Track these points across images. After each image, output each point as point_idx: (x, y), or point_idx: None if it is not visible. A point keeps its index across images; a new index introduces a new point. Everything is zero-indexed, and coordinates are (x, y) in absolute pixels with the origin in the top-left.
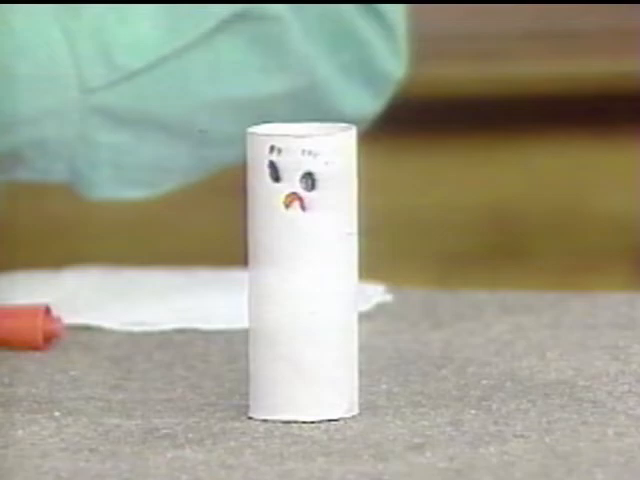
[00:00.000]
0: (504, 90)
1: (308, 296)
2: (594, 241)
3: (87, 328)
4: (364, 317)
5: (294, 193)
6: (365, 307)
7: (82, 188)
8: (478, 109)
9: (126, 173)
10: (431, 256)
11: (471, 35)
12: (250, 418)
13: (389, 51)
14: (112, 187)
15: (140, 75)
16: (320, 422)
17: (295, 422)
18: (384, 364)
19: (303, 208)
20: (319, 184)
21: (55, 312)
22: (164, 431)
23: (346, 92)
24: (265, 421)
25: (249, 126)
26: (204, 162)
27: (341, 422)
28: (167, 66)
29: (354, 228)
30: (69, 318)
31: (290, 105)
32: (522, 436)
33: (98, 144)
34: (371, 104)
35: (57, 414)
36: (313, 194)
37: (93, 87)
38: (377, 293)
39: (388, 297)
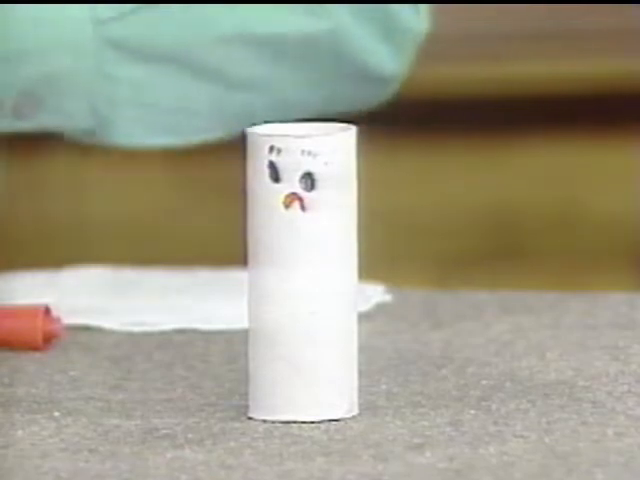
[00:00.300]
0: (504, 90)
1: (308, 296)
2: (594, 241)
3: (87, 328)
4: (364, 317)
5: (294, 193)
6: (365, 307)
7: (106, 134)
8: (478, 109)
9: (149, 115)
10: (431, 256)
11: (470, 36)
12: (250, 418)
13: (409, 7)
14: (137, 132)
15: (151, 7)
16: (320, 422)
17: (295, 422)
18: (384, 364)
19: (303, 208)
20: (319, 184)
21: (55, 312)
22: (164, 431)
23: (368, 46)
24: (265, 421)
25: (271, 68)
26: (229, 108)
27: (341, 422)
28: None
29: (354, 228)
30: (69, 318)
31: (312, 49)
32: (522, 436)
33: (116, 79)
34: (394, 61)
35: (57, 414)
36: (313, 194)
37: (104, 18)
38: (377, 293)
39: (387, 297)
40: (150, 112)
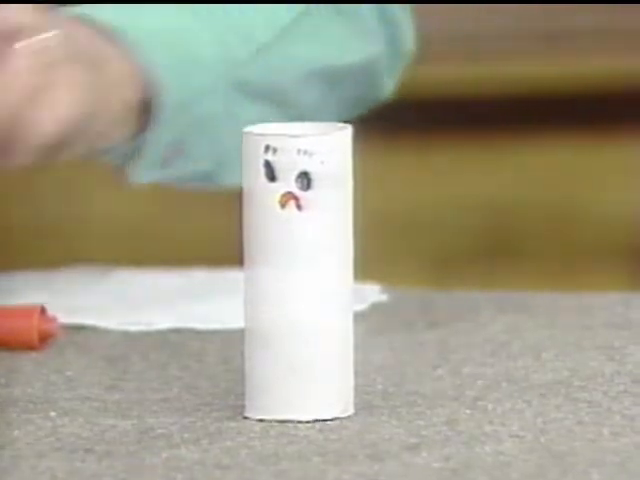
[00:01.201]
0: (500, 90)
1: (303, 296)
2: (590, 241)
3: (82, 328)
4: (360, 317)
5: (290, 192)
6: (361, 307)
7: (216, 177)
8: (474, 109)
9: None
10: (426, 256)
11: (467, 35)
12: (246, 418)
13: (409, 29)
14: (238, 172)
15: (270, 47)
16: (315, 422)
17: (290, 422)
18: (380, 364)
19: (299, 207)
20: (315, 184)
21: (50, 312)
22: (160, 431)
23: (387, 69)
24: (261, 421)
25: (330, 94)
26: None
27: (337, 422)
28: (285, 38)
29: (350, 227)
30: (65, 318)
31: (361, 74)
32: (518, 436)
33: (238, 119)
34: (394, 83)
35: (53, 414)
36: (309, 194)
37: (236, 60)
38: (373, 293)
39: (383, 297)
40: None
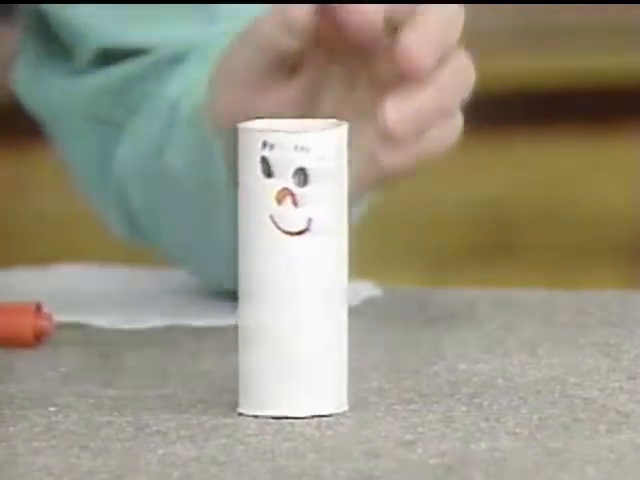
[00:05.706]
0: (496, 85)
1: (299, 293)
2: (587, 239)
3: (78, 325)
4: (354, 313)
5: (286, 189)
6: (354, 302)
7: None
8: (470, 104)
9: None
10: (422, 252)
11: (464, 33)
12: (241, 414)
13: None
14: None
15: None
16: (311, 418)
17: (285, 418)
18: (375, 361)
19: (295, 204)
20: (311, 179)
21: (46, 309)
22: (155, 428)
23: None
24: (256, 417)
25: None
26: None
27: (332, 419)
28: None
29: (345, 224)
30: (60, 315)
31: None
32: (513, 433)
33: None
34: None
35: (48, 411)
36: (305, 189)
37: None
38: (366, 288)
39: (377, 292)
40: None
